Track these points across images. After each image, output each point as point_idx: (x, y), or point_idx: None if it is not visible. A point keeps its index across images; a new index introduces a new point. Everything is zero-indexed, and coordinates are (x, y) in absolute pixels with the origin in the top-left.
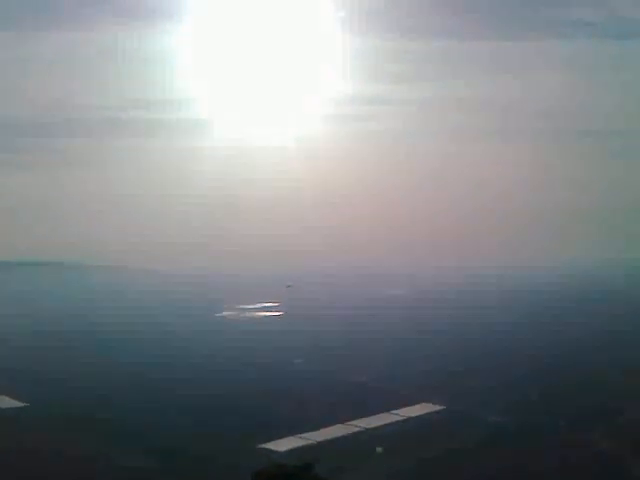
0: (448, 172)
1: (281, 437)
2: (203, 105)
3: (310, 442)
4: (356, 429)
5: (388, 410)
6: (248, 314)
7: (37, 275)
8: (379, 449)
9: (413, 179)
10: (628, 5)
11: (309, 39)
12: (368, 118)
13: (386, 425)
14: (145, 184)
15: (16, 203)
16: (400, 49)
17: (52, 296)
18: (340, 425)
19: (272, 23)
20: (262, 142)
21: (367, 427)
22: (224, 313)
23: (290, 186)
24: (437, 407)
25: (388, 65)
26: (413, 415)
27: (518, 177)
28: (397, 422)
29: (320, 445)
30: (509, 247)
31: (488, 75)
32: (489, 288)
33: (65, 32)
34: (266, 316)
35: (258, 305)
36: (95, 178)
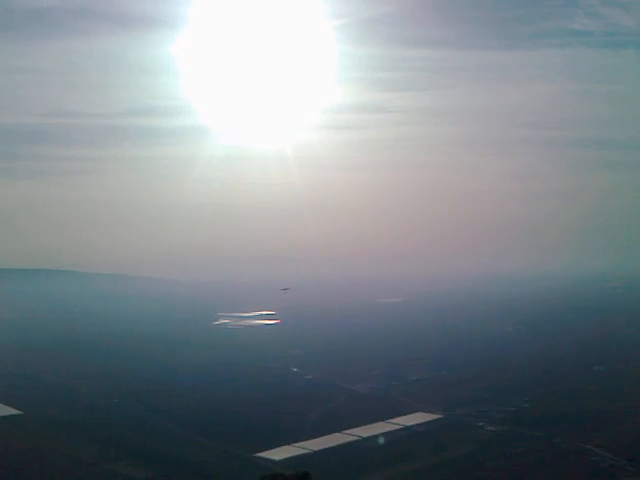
0: (444, 181)
1: (278, 446)
2: (201, 113)
3: (307, 451)
4: (353, 438)
5: (385, 419)
6: (245, 322)
7: (39, 282)
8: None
9: (409, 187)
10: (623, 15)
11: (306, 48)
12: (364, 126)
13: (383, 434)
14: (144, 191)
15: (18, 211)
16: (396, 58)
17: (53, 303)
18: (337, 434)
19: (270, 32)
20: (259, 150)
21: (363, 436)
22: (221, 321)
23: (287, 193)
24: (433, 416)
25: (384, 74)
26: (409, 424)
27: (513, 186)
28: (394, 431)
29: (316, 454)
30: (504, 256)
31: (484, 84)
32: (485, 297)
33: (65, 41)
34: (263, 324)
35: (255, 313)
36: (96, 185)
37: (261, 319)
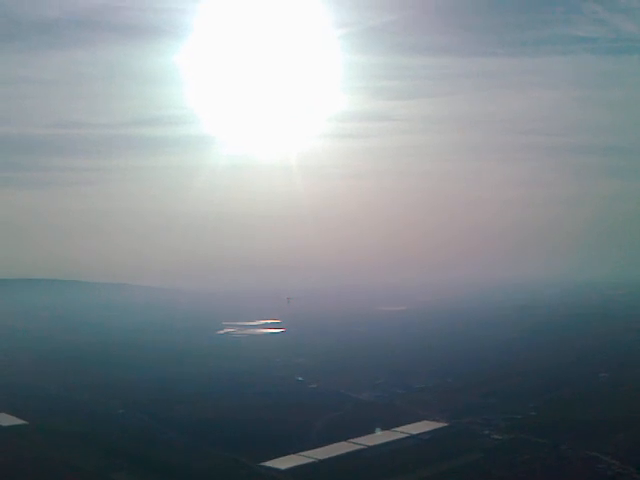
0: (447, 188)
1: (283, 454)
2: (205, 123)
3: (312, 460)
4: (359, 447)
5: (390, 427)
6: (249, 331)
7: (43, 292)
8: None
9: (412, 195)
10: (627, 22)
11: (310, 57)
12: (368, 135)
13: (388, 443)
14: (148, 201)
15: (22, 221)
16: (400, 66)
17: (57, 313)
18: (342, 442)
19: (274, 41)
20: (263, 159)
21: (369, 445)
22: (226, 330)
23: (290, 202)
24: (439, 424)
25: (388, 82)
26: (415, 432)
27: (517, 193)
28: (399, 440)
29: (322, 463)
30: (508, 263)
31: (487, 91)
32: (489, 304)
33: (69, 51)
34: (267, 333)
35: (259, 321)
36: (100, 195)
37: (266, 328)
